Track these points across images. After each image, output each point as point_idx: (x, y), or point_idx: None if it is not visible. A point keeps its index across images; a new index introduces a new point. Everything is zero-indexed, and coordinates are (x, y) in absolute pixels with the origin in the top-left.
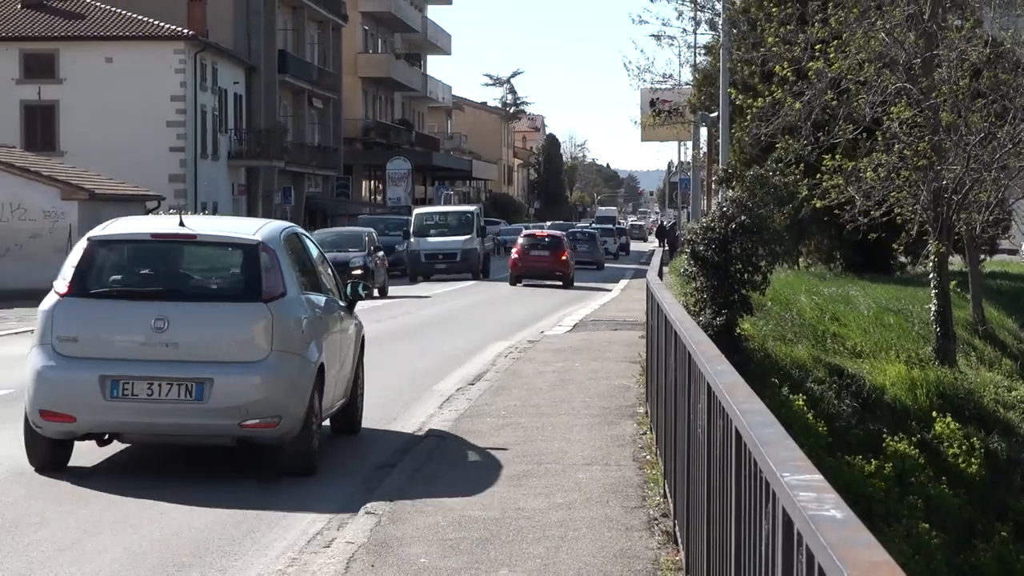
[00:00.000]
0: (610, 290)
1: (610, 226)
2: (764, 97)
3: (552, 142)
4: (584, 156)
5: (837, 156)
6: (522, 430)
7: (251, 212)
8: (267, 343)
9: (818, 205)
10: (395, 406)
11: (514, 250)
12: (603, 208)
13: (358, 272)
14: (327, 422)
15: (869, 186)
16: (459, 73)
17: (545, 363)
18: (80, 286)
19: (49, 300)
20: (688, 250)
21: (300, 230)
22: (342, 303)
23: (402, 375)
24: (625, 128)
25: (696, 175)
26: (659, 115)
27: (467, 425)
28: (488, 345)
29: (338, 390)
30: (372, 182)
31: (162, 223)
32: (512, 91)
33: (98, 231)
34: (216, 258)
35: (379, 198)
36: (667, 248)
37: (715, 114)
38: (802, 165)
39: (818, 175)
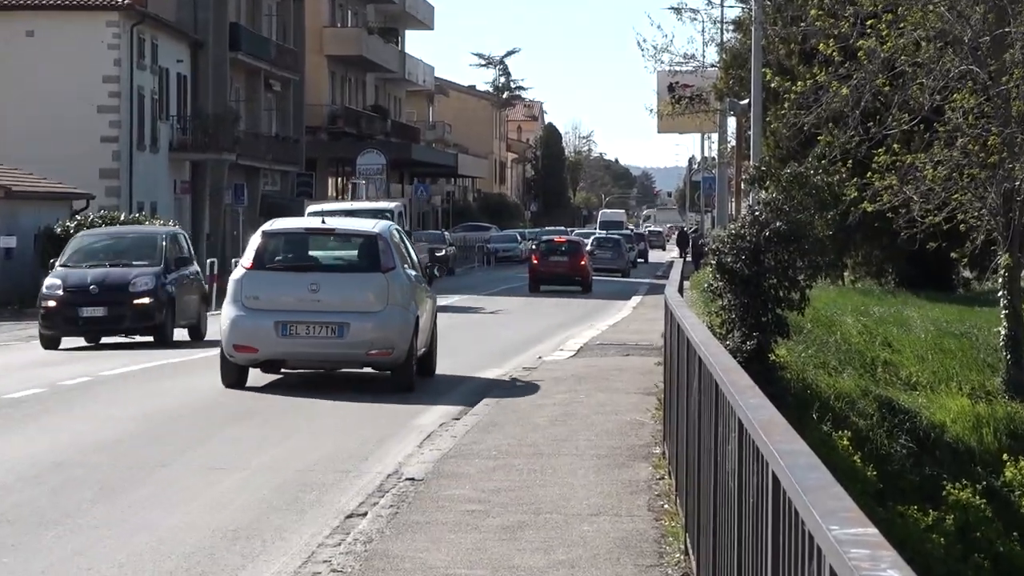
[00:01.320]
0: (621, 308)
1: (616, 234)
2: (804, 81)
3: (552, 134)
4: (590, 150)
5: (894, 149)
6: (517, 473)
7: (196, 214)
8: (384, 300)
9: (868, 209)
10: (367, 443)
11: (532, 256)
12: (608, 211)
13: (143, 302)
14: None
15: (927, 187)
16: (443, 51)
17: (543, 394)
18: (259, 263)
19: (238, 272)
20: (713, 262)
21: (398, 227)
22: (425, 279)
23: (374, 408)
24: (639, 118)
25: (723, 173)
26: (679, 102)
27: (451, 467)
28: (477, 373)
29: (424, 338)
30: (340, 179)
31: (311, 221)
32: (506, 73)
33: (268, 227)
34: (348, 244)
35: (348, 198)
36: (689, 258)
37: (745, 101)
38: (849, 162)
39: (868, 174)
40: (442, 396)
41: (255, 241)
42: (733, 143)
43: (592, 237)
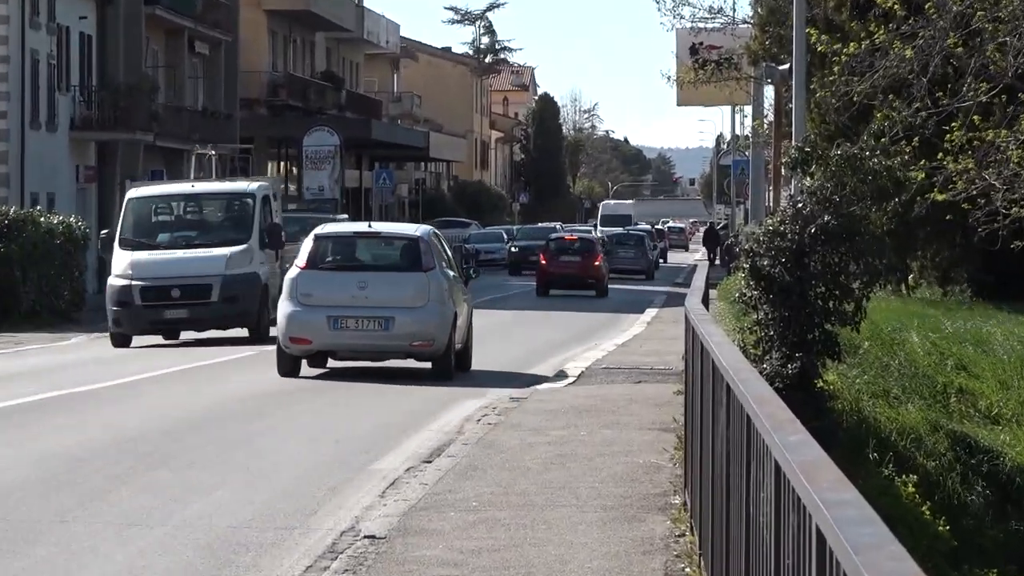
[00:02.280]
0: (631, 323)
1: (638, 229)
2: (858, 41)
3: (547, 107)
4: (593, 128)
5: (972, 124)
6: (502, 530)
7: (104, 207)
8: (425, 296)
9: (938, 199)
10: (316, 490)
11: (541, 256)
12: (612, 203)
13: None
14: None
15: (1012, 171)
16: (411, 5)
17: (536, 431)
18: (312, 263)
19: (293, 272)
20: (747, 265)
21: (436, 231)
22: (461, 279)
23: (324, 447)
24: (653, 87)
25: (758, 155)
26: (703, 68)
27: (421, 522)
28: (451, 404)
29: (461, 334)
30: (283, 163)
31: (358, 226)
32: (489, 31)
33: (319, 231)
34: (392, 246)
35: (293, 187)
36: (717, 261)
37: (785, 66)
38: (914, 140)
39: (937, 155)
40: (407, 433)
41: (308, 244)
42: (770, 118)
43: (610, 233)
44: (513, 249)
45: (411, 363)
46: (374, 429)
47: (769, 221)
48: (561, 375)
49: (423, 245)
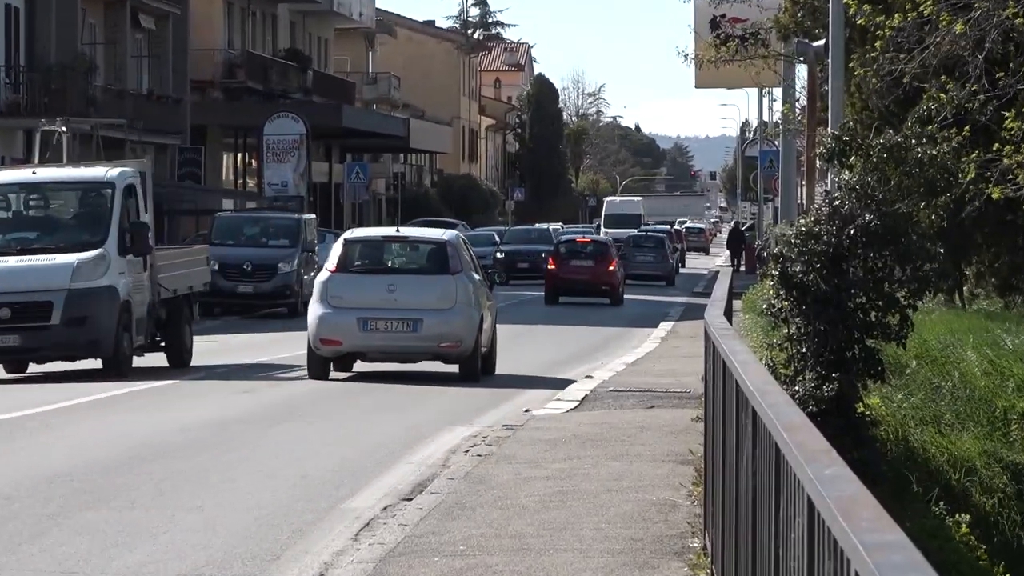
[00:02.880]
0: (643, 338)
1: (658, 230)
2: (904, 13)
3: (545, 90)
4: (599, 113)
5: None
6: None
7: None
8: (453, 299)
9: (995, 196)
10: (279, 533)
11: (550, 260)
12: (617, 200)
13: None
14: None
15: None
16: None
17: (533, 463)
18: (342, 266)
19: (323, 275)
20: (776, 271)
21: (463, 236)
22: (486, 284)
23: (288, 482)
24: (669, 67)
25: (788, 145)
26: (725, 44)
27: (400, 569)
28: (436, 433)
29: (486, 337)
30: (241, 155)
31: (387, 230)
32: (479, 2)
33: (349, 235)
34: (421, 250)
35: (252, 183)
36: (742, 267)
37: (820, 42)
38: (967, 127)
39: (995, 145)
40: (385, 466)
41: (338, 248)
42: (803, 102)
43: (626, 235)
44: (498, 255)
45: (394, 391)
46: (345, 461)
47: (802, 221)
48: (561, 399)
49: (450, 249)
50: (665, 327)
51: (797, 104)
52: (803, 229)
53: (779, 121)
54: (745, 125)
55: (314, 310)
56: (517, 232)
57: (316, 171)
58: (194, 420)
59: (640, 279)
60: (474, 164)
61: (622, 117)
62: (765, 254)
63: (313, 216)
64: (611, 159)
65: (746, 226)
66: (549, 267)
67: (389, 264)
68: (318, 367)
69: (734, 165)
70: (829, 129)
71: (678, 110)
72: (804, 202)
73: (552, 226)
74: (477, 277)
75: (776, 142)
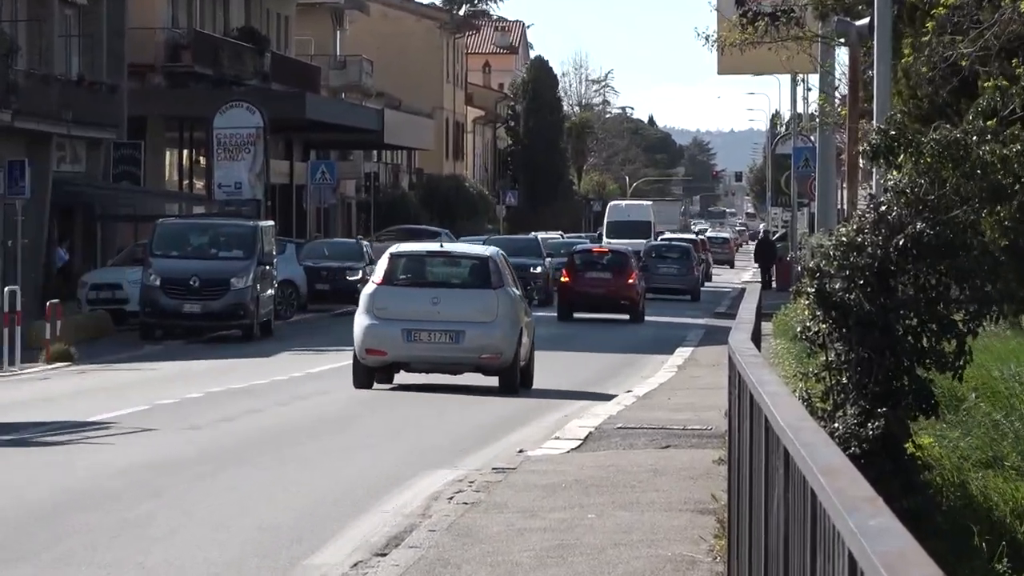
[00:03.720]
0: (656, 366)
1: (683, 240)
2: None
3: (543, 76)
4: (605, 104)
5: None
6: None
7: None
8: (494, 312)
9: None
10: None
11: (564, 272)
12: (623, 204)
13: None
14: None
15: None
16: None
17: (528, 512)
18: (387, 279)
19: (369, 288)
20: (812, 289)
21: (503, 252)
22: (526, 299)
23: (243, 534)
24: (687, 51)
25: (827, 141)
26: (753, 23)
27: None
28: (415, 477)
29: (525, 351)
30: (187, 152)
31: (431, 245)
32: None
33: (394, 250)
34: (464, 265)
35: (200, 184)
36: (771, 283)
37: (864, 20)
38: None
39: None
40: (354, 516)
41: (384, 261)
42: (844, 91)
43: (647, 244)
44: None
45: (381, 421)
46: (309, 509)
47: (842, 229)
48: (560, 436)
49: (492, 264)
50: (682, 353)
51: (836, 93)
52: (844, 239)
53: (815, 113)
54: (776, 118)
55: (360, 321)
56: (497, 243)
57: (275, 170)
58: (134, 461)
59: (662, 293)
60: (460, 162)
61: (632, 108)
62: (799, 268)
63: (271, 223)
64: (619, 157)
65: (777, 235)
66: (563, 280)
67: (433, 278)
68: (362, 377)
69: (763, 164)
70: (874, 122)
71: (698, 100)
72: (845, 207)
73: (549, 235)
74: (517, 292)
75: (812, 137)
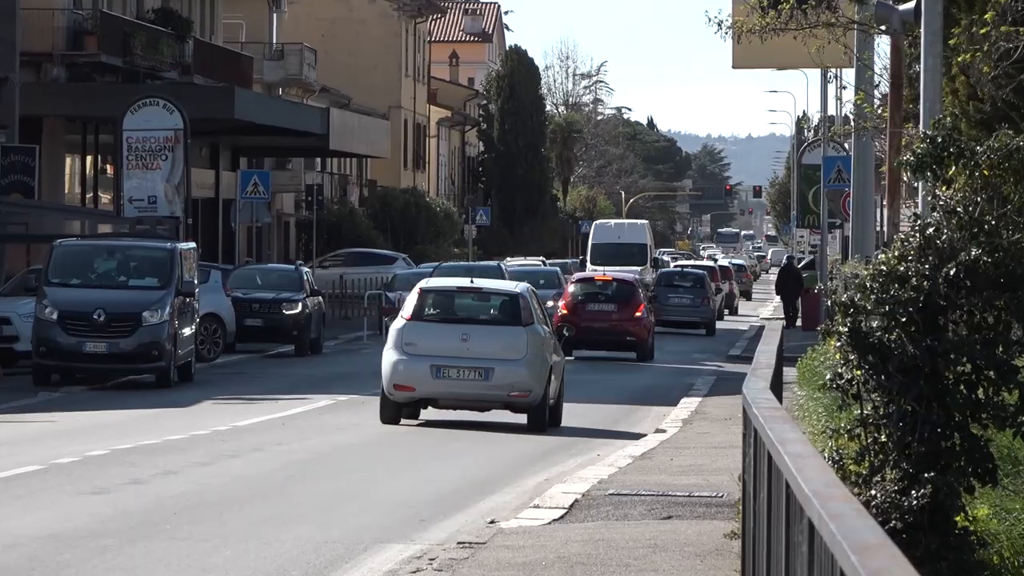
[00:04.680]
0: (655, 419)
1: (697, 267)
2: None
3: (521, 69)
4: (597, 103)
5: None
6: None
7: None
8: (523, 349)
9: None
10: None
11: (561, 303)
12: (611, 223)
13: None
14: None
15: None
16: None
17: None
18: (417, 315)
19: (398, 323)
20: (845, 328)
21: (533, 288)
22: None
23: None
24: (696, 40)
25: (864, 149)
26: (776, 7)
27: None
28: (364, 553)
29: (554, 389)
30: (91, 158)
31: (462, 281)
32: None
33: (424, 284)
34: (494, 301)
35: (107, 197)
36: (796, 320)
37: (910, 4)
38: None
39: None
40: None
41: (414, 297)
42: (884, 89)
43: (659, 272)
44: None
45: (333, 476)
46: None
47: (882, 256)
48: (541, 505)
49: (523, 301)
50: (688, 404)
51: (876, 92)
52: (883, 268)
53: (851, 115)
54: (803, 121)
55: (388, 356)
56: (450, 270)
57: (197, 182)
58: (26, 532)
59: (673, 326)
60: (421, 173)
61: (630, 109)
62: (830, 303)
63: (193, 245)
64: (613, 167)
65: (804, 263)
66: (561, 312)
67: (463, 314)
68: (390, 412)
69: (787, 177)
70: (921, 127)
71: (708, 101)
72: (885, 230)
73: (527, 262)
74: (547, 329)
75: (846, 145)
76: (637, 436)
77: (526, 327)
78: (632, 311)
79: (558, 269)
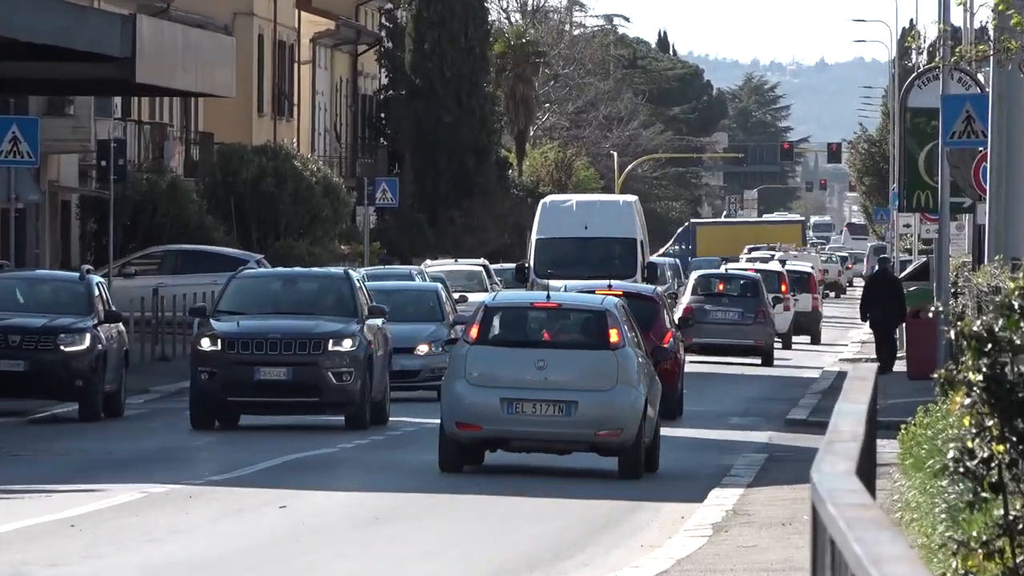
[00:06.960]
0: (666, 525)
1: (744, 271)
2: None
3: None
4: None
5: None
6: None
7: None
8: (614, 378)
9: None
10: None
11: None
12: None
13: None
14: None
15: None
16: None
17: None
18: (483, 337)
19: (461, 347)
20: (979, 374)
21: (624, 303)
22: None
23: None
24: None
25: (1012, 81)
26: None
27: None
28: None
29: (650, 425)
30: None
31: (536, 296)
32: None
33: (490, 301)
34: (576, 319)
35: None
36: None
37: None
38: None
39: None
40: None
41: (477, 316)
42: None
43: (695, 274)
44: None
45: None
46: None
47: None
48: None
49: (611, 319)
50: (723, 499)
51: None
52: None
53: (989, 27)
54: (910, 37)
55: (450, 389)
56: (254, 279)
57: None
58: None
59: (713, 353)
60: (286, 123)
61: (627, 19)
62: (953, 335)
63: None
64: (600, 113)
65: (908, 270)
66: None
67: (539, 335)
68: (452, 455)
69: (881, 129)
70: None
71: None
72: None
73: (458, 265)
74: (640, 352)
75: (981, 76)
76: (639, 550)
77: (615, 351)
78: (656, 339)
79: (438, 286)
